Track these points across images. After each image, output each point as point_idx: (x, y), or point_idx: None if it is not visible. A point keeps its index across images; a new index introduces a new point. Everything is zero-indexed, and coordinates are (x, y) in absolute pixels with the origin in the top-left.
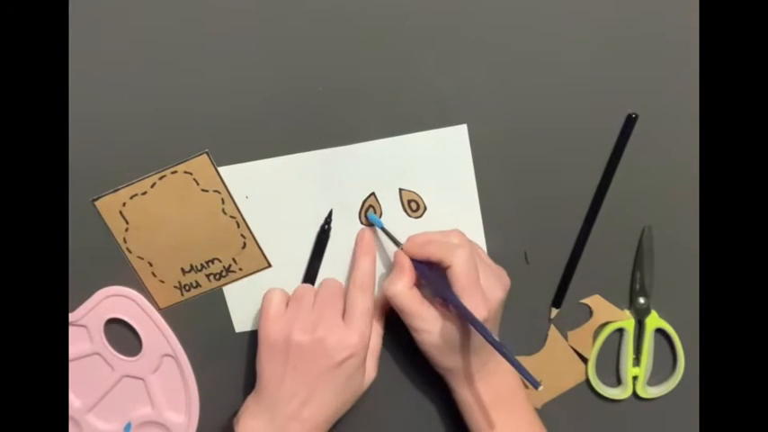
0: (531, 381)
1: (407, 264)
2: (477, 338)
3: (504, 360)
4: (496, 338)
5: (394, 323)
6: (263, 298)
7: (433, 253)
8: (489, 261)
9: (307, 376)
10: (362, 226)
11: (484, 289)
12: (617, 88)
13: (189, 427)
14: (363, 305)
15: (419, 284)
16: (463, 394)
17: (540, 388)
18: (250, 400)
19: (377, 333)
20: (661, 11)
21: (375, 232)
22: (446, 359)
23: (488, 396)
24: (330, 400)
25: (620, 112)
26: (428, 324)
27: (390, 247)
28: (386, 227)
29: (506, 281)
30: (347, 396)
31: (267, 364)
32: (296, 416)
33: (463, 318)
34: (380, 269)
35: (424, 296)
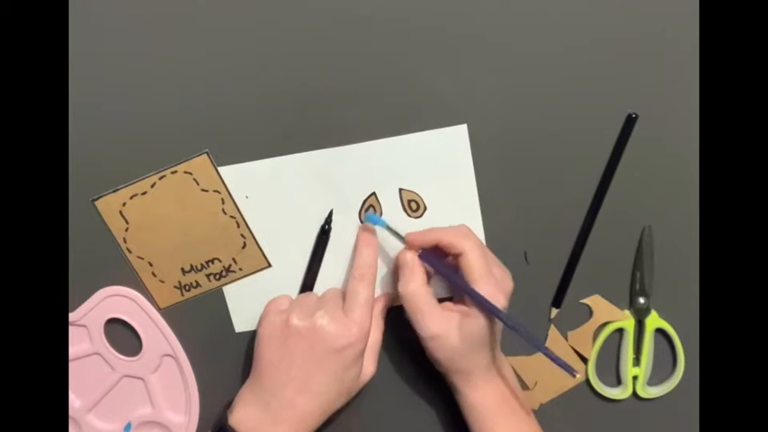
0: (566, 368)
1: (416, 262)
2: (484, 338)
3: (506, 360)
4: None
5: (394, 321)
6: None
7: (442, 237)
8: (493, 255)
9: (304, 363)
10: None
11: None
12: (617, 88)
13: (189, 427)
14: (364, 296)
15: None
16: (467, 395)
17: (578, 375)
18: (245, 388)
19: (377, 328)
20: (661, 11)
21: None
22: (454, 360)
23: (492, 397)
24: (325, 389)
25: (620, 112)
26: (440, 325)
27: (392, 247)
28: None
29: (509, 277)
30: (343, 388)
31: (264, 350)
32: (290, 403)
33: (482, 307)
34: (382, 268)
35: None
